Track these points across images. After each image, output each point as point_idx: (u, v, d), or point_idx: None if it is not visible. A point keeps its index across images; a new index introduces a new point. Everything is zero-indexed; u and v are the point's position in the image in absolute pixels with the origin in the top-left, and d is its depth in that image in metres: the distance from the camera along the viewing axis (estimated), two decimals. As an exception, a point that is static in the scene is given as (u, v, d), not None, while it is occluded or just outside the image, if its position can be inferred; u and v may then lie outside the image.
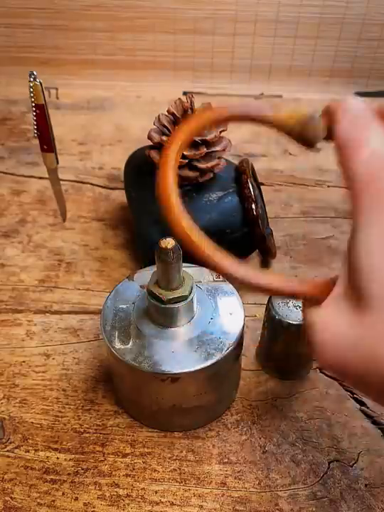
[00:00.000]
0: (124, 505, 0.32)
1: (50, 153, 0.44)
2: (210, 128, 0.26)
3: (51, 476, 0.34)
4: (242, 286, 0.22)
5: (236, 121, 0.26)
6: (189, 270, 0.32)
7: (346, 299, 0.20)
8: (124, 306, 0.34)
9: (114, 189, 0.54)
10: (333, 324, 0.20)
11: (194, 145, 0.41)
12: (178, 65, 0.67)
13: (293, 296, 0.22)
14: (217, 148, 0.42)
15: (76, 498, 0.33)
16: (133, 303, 0.34)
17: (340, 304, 0.20)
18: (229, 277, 0.22)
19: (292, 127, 0.25)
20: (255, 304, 0.42)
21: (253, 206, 0.42)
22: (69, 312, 0.43)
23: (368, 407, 0.36)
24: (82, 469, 0.34)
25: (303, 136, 0.25)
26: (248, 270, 0.22)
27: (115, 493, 0.33)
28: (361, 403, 0.37)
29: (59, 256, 0.48)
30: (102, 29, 0.65)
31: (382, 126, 0.22)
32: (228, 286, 0.35)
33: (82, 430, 0.36)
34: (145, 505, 0.32)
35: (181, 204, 0.24)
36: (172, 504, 0.32)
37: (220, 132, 0.42)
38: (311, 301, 0.22)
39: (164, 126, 0.42)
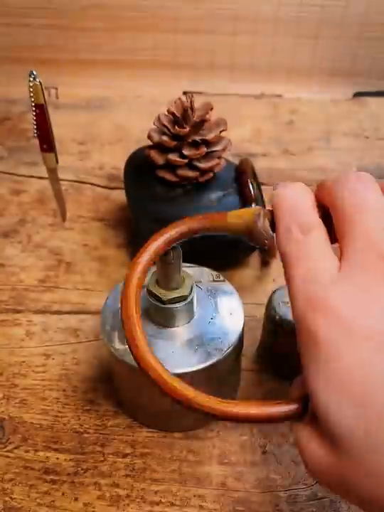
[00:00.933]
0: (123, 505, 0.32)
1: (49, 153, 0.44)
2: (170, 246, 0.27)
3: (51, 477, 0.34)
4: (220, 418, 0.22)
5: (192, 236, 0.27)
6: (189, 270, 0.32)
7: (315, 423, 0.20)
8: (124, 306, 0.34)
9: (114, 189, 0.54)
10: (310, 447, 0.20)
11: (194, 144, 0.41)
12: (178, 65, 0.67)
13: (272, 421, 0.22)
14: (218, 147, 0.42)
15: (76, 499, 0.33)
16: (133, 303, 0.34)
17: (313, 425, 0.20)
18: (207, 414, 0.22)
19: (241, 229, 0.25)
20: (255, 304, 0.42)
21: (253, 205, 0.42)
22: (69, 312, 0.43)
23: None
24: (82, 469, 0.34)
25: (252, 237, 0.24)
26: (222, 403, 0.21)
27: (115, 494, 0.33)
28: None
29: (59, 256, 0.48)
30: (102, 29, 0.65)
31: (319, 220, 0.22)
32: (228, 286, 0.35)
33: (81, 430, 0.36)
34: (145, 505, 0.32)
35: (145, 337, 0.24)
36: (172, 504, 0.32)
37: (220, 132, 0.42)
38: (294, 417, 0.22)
39: (164, 125, 0.42)
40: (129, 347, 0.24)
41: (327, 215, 0.23)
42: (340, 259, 0.20)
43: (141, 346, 0.23)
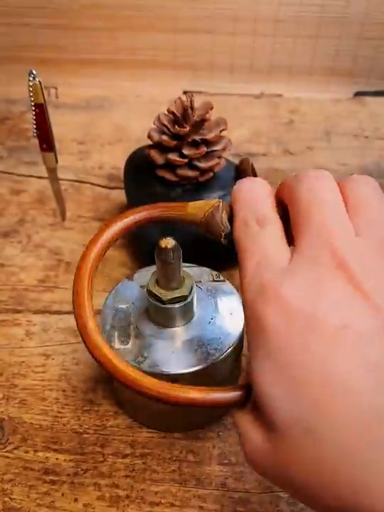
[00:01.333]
0: (123, 506, 0.32)
1: (49, 152, 0.44)
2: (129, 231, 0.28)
3: (50, 477, 0.33)
4: (162, 400, 0.22)
5: (151, 222, 0.27)
6: (189, 270, 0.32)
7: (256, 411, 0.20)
8: (124, 306, 0.34)
9: (113, 189, 0.54)
10: (249, 434, 0.20)
11: (194, 144, 0.41)
12: (178, 64, 0.67)
13: (215, 407, 0.22)
14: (218, 147, 0.42)
15: (76, 499, 0.32)
16: (133, 303, 0.34)
17: (253, 413, 0.21)
18: (147, 395, 0.22)
19: (200, 220, 0.25)
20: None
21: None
22: (68, 312, 0.43)
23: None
24: (82, 470, 0.34)
25: (208, 228, 0.25)
26: (165, 386, 0.22)
27: (115, 494, 0.33)
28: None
29: (58, 256, 0.47)
30: (102, 28, 0.65)
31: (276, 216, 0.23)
32: (228, 286, 0.35)
33: (81, 431, 0.36)
34: (145, 506, 0.32)
35: (96, 324, 0.24)
36: (172, 505, 0.32)
37: (220, 131, 0.42)
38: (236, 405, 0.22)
39: (164, 125, 0.42)
40: (80, 333, 0.24)
41: (286, 212, 0.23)
42: (292, 253, 0.21)
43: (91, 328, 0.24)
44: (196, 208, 0.26)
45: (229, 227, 0.24)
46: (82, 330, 0.24)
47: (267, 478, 0.21)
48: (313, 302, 0.19)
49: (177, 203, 0.27)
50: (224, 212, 0.25)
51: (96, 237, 0.26)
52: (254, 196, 0.24)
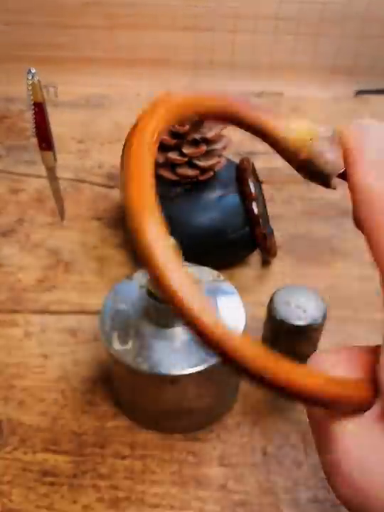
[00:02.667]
0: (123, 507, 0.32)
1: (48, 151, 0.43)
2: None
3: (49, 479, 0.33)
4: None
5: (223, 122, 0.19)
6: (189, 270, 0.32)
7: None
8: (123, 307, 0.33)
9: (113, 188, 0.54)
10: (362, 448, 0.15)
11: (194, 143, 0.41)
12: (178, 62, 0.66)
13: (335, 404, 0.15)
14: (218, 146, 0.41)
15: (75, 501, 0.32)
16: (132, 303, 0.33)
17: (375, 425, 0.15)
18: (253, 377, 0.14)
19: (296, 153, 0.19)
20: (255, 303, 0.41)
21: (254, 205, 0.42)
22: (67, 312, 0.43)
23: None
24: (81, 471, 0.33)
25: (314, 169, 0.18)
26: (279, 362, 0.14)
27: (114, 496, 0.32)
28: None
29: (57, 255, 0.47)
30: (101, 26, 0.64)
31: None
32: (228, 286, 0.35)
33: (80, 432, 0.35)
34: (144, 507, 0.32)
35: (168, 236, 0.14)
36: (172, 507, 0.32)
37: (221, 130, 0.41)
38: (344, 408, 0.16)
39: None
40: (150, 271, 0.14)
41: None
42: None
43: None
44: (295, 136, 0.18)
45: (343, 166, 0.18)
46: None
47: (359, 506, 0.15)
48: None
49: (277, 114, 0.19)
50: (338, 146, 0.18)
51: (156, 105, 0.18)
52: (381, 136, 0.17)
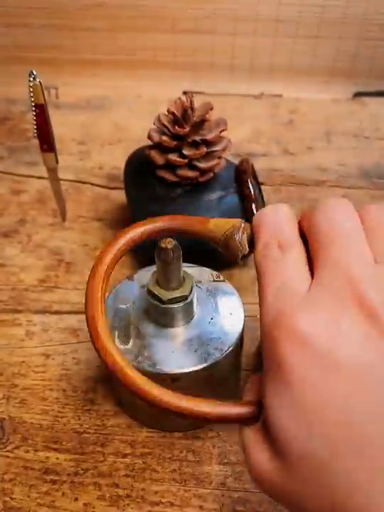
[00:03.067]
0: (123, 505, 0.32)
1: (49, 152, 0.44)
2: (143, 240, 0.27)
3: (51, 477, 0.34)
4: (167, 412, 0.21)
5: (170, 234, 0.27)
6: (189, 270, 0.32)
7: (266, 433, 0.20)
8: (124, 306, 0.34)
9: (114, 189, 0.54)
10: (255, 451, 0.20)
11: (194, 144, 0.41)
12: (178, 65, 0.67)
13: (225, 421, 0.22)
14: (218, 147, 0.42)
15: (76, 499, 0.32)
16: (133, 303, 0.34)
17: (261, 431, 0.21)
18: (159, 406, 0.21)
19: (219, 238, 0.25)
20: (255, 303, 0.42)
21: (253, 206, 0.42)
22: (69, 312, 0.43)
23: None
24: (82, 470, 0.34)
25: (227, 248, 0.25)
26: (176, 397, 0.21)
27: (115, 494, 0.33)
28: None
29: (59, 256, 0.48)
30: (102, 28, 0.65)
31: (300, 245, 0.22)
32: (228, 286, 0.35)
33: (81, 430, 0.36)
34: (145, 505, 0.32)
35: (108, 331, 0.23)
36: (172, 504, 0.32)
37: (220, 132, 0.42)
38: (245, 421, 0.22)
39: (164, 125, 0.42)
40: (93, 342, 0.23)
41: (306, 241, 0.23)
42: (312, 281, 0.21)
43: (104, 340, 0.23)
44: (217, 226, 0.25)
45: (247, 249, 0.24)
46: (92, 331, 0.24)
47: (270, 496, 0.21)
48: (332, 339, 0.18)
49: (199, 217, 0.27)
50: (244, 233, 0.24)
51: (112, 242, 0.25)
52: (278, 221, 0.23)
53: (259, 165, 0.50)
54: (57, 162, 0.45)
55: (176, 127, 0.41)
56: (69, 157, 0.57)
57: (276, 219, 0.23)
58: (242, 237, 0.24)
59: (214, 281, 0.35)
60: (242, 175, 0.43)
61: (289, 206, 0.24)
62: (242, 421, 0.22)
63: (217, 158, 0.42)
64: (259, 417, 0.21)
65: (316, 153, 0.58)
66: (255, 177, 0.45)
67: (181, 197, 0.42)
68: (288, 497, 0.19)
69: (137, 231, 0.26)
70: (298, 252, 0.22)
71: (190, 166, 0.41)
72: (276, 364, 0.19)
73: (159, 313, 0.31)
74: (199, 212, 0.42)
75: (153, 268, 0.31)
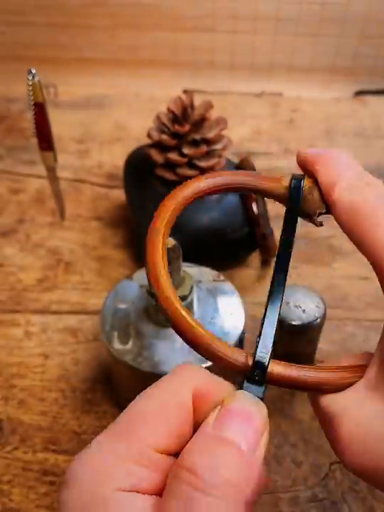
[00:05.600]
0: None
1: (48, 151, 0.43)
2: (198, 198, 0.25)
3: (50, 478, 0.33)
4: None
5: (227, 191, 0.25)
6: (189, 270, 0.32)
7: (379, 387, 0.18)
8: (124, 306, 0.33)
9: (113, 188, 0.54)
10: (363, 416, 0.17)
11: (194, 143, 0.41)
12: (178, 63, 0.67)
13: (318, 388, 0.19)
14: (218, 146, 0.42)
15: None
16: (132, 303, 0.34)
17: (371, 391, 0.18)
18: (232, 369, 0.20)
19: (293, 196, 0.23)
20: (255, 303, 0.41)
21: (254, 205, 0.42)
22: (68, 312, 0.43)
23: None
24: (81, 471, 0.34)
25: (304, 204, 0.23)
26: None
27: (114, 495, 0.32)
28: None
29: (57, 255, 0.47)
30: (102, 27, 0.64)
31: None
32: (228, 286, 0.35)
33: (80, 431, 0.35)
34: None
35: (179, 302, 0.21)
36: (172, 506, 0.32)
37: (221, 130, 0.42)
38: (332, 387, 0.19)
39: (164, 124, 0.41)
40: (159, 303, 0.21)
41: None
42: None
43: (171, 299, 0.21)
44: (275, 184, 0.24)
45: (323, 206, 0.22)
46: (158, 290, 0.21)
47: (372, 471, 0.17)
48: None
49: (271, 176, 0.25)
50: (316, 189, 0.22)
51: (176, 192, 0.24)
52: (350, 162, 0.21)
53: (259, 164, 0.49)
54: (56, 161, 0.45)
55: (176, 126, 0.40)
56: (68, 156, 0.57)
57: (349, 161, 0.21)
58: (317, 194, 0.22)
59: (214, 281, 0.35)
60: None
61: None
62: (341, 387, 0.19)
63: (217, 157, 0.42)
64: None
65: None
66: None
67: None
68: None
69: (207, 182, 0.24)
70: None
71: (190, 165, 0.41)
72: None
73: (159, 313, 0.31)
74: (199, 212, 0.41)
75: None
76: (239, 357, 0.20)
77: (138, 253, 0.47)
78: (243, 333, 0.33)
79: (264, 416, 0.18)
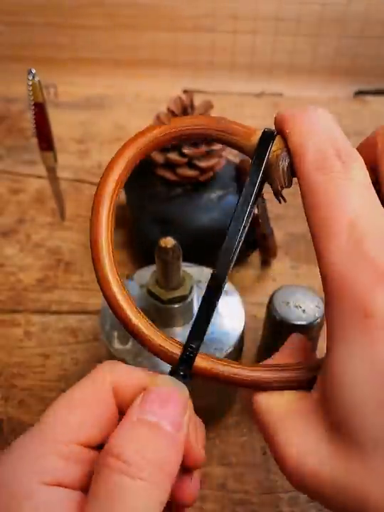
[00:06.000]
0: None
1: (48, 151, 0.43)
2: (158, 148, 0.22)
3: (50, 478, 0.33)
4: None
5: (189, 138, 0.22)
6: (189, 270, 0.32)
7: (321, 416, 0.16)
8: (124, 306, 0.33)
9: (113, 188, 0.54)
10: (305, 445, 0.16)
11: (194, 144, 0.41)
12: (178, 63, 0.67)
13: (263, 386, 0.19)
14: (218, 146, 0.42)
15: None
16: (132, 303, 0.34)
17: (312, 418, 0.17)
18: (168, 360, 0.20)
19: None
20: (255, 303, 0.41)
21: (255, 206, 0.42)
22: (68, 312, 0.43)
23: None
24: (81, 471, 0.34)
25: (266, 176, 0.19)
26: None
27: (114, 495, 0.32)
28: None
29: (58, 255, 0.47)
30: (102, 27, 0.64)
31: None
32: (228, 286, 0.35)
33: (81, 431, 0.35)
34: (144, 507, 0.32)
35: (117, 276, 0.19)
36: (172, 506, 0.32)
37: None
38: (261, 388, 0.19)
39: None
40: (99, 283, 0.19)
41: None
42: None
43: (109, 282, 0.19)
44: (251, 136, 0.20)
45: (289, 182, 0.19)
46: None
47: (310, 495, 0.17)
48: None
49: (243, 126, 0.21)
50: (287, 158, 0.18)
51: (120, 151, 0.22)
52: (327, 125, 0.18)
53: (259, 164, 0.49)
54: (56, 161, 0.45)
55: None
56: (68, 156, 0.57)
57: (325, 123, 0.18)
58: (288, 165, 0.18)
59: (214, 281, 0.35)
60: (242, 174, 0.43)
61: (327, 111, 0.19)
62: (291, 387, 0.18)
63: (217, 157, 0.42)
64: (307, 384, 0.18)
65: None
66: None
67: (181, 196, 0.42)
68: (344, 496, 0.15)
69: (152, 134, 0.22)
70: (363, 166, 0.17)
71: (190, 165, 0.41)
72: (360, 316, 0.15)
73: (159, 313, 0.31)
74: (199, 212, 0.41)
75: (153, 268, 0.31)
76: (170, 348, 0.20)
77: (138, 253, 0.47)
78: (243, 332, 0.33)
79: (185, 396, 0.18)
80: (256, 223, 0.42)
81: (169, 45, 0.65)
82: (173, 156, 0.41)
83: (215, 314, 0.33)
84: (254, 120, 0.62)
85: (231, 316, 0.33)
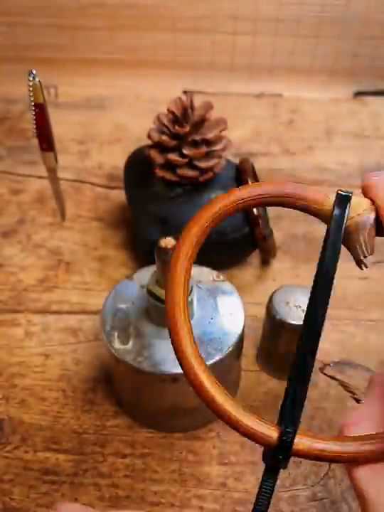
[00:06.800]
0: (123, 506, 0.32)
1: (49, 152, 0.43)
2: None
3: (50, 477, 0.33)
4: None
5: (270, 205, 0.21)
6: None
7: None
8: (124, 306, 0.34)
9: (113, 188, 0.54)
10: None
11: (194, 144, 0.41)
12: (178, 64, 0.67)
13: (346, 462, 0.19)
14: (218, 147, 0.42)
15: (75, 499, 0.32)
16: (133, 303, 0.34)
17: None
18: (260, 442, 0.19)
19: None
20: (255, 303, 0.41)
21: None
22: (68, 312, 0.43)
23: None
24: (82, 470, 0.34)
25: (347, 243, 0.19)
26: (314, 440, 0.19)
27: (115, 494, 0.33)
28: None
29: (58, 256, 0.47)
30: (102, 28, 0.65)
31: None
32: (228, 286, 0.35)
33: (81, 431, 0.36)
34: (145, 506, 0.32)
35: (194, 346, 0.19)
36: (172, 505, 0.32)
37: (220, 131, 0.42)
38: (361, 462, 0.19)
39: (164, 125, 0.41)
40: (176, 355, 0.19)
41: None
42: None
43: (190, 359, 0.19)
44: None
45: (371, 251, 0.18)
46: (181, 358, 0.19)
47: None
48: None
49: (317, 193, 0.21)
50: (371, 228, 0.17)
51: (194, 222, 0.20)
52: None
53: (259, 164, 0.49)
54: (56, 162, 0.45)
55: (176, 127, 0.41)
56: (68, 157, 0.57)
57: None
58: (369, 231, 0.18)
59: (214, 281, 0.35)
60: (242, 174, 0.43)
61: None
62: (375, 460, 0.18)
63: (217, 158, 0.42)
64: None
65: (316, 152, 0.58)
66: (255, 177, 0.45)
67: (181, 196, 0.42)
68: None
69: (230, 199, 0.21)
70: None
71: (190, 166, 0.41)
72: None
73: (159, 313, 0.31)
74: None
75: (153, 268, 0.31)
76: (266, 431, 0.19)
77: (138, 253, 0.47)
78: (243, 332, 0.33)
79: None
80: (256, 223, 0.42)
81: (169, 45, 0.65)
82: (174, 156, 0.41)
83: (214, 314, 0.34)
84: (254, 120, 0.62)
85: (231, 316, 0.33)
